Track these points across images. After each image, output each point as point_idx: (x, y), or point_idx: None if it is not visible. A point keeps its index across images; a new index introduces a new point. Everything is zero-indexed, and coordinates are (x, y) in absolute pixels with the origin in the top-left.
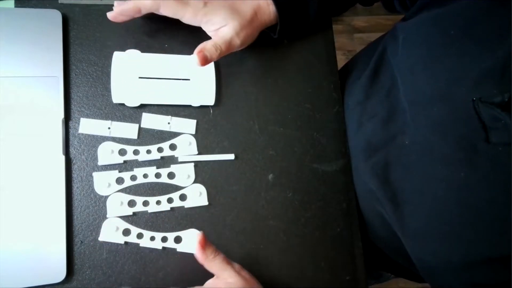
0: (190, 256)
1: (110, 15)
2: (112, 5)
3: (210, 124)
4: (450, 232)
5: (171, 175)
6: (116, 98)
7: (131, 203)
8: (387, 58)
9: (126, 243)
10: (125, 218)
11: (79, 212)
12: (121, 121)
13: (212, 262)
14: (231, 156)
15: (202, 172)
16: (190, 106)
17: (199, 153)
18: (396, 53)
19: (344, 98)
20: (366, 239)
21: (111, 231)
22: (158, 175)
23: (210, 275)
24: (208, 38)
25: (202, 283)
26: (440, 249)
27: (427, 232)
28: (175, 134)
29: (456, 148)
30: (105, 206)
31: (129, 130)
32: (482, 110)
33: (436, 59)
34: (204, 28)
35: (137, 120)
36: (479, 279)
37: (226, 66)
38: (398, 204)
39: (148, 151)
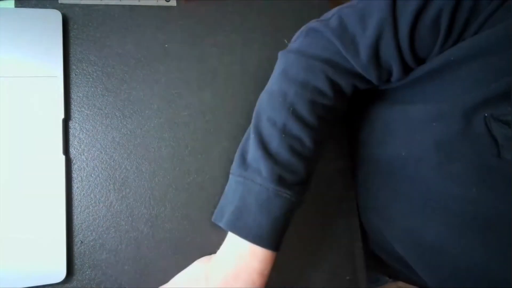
0: (190, 256)
1: None
2: (112, 5)
3: (210, 124)
4: (462, 246)
5: None
6: None
7: None
8: None
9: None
10: None
11: (79, 212)
12: (121, 121)
13: None
14: None
15: (202, 172)
16: (189, 106)
17: (199, 153)
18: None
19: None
20: (364, 244)
21: None
22: None
23: None
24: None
25: None
26: (448, 261)
27: (437, 246)
28: None
29: (467, 165)
30: (105, 206)
31: None
32: (494, 127)
33: (445, 73)
34: None
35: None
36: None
37: (226, 66)
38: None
39: None
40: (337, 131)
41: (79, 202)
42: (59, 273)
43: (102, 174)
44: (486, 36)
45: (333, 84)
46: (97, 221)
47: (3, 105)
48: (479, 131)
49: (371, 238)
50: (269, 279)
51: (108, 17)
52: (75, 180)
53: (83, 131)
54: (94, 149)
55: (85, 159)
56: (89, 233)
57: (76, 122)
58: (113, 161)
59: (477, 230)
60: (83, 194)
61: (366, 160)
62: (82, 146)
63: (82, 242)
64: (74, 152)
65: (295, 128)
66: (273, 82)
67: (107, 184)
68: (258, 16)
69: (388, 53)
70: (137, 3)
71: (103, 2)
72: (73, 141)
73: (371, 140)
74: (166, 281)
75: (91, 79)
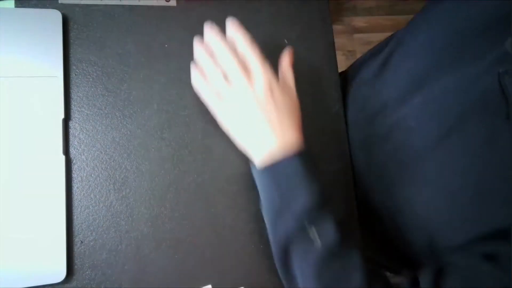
0: (190, 256)
1: None
2: (112, 5)
3: (210, 124)
4: (465, 207)
5: None
6: None
7: None
8: (401, 42)
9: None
10: None
11: (79, 212)
12: (121, 121)
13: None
14: None
15: (202, 172)
16: (189, 106)
17: (199, 153)
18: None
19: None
20: (368, 240)
21: None
22: None
23: (213, 276)
24: None
25: (202, 284)
26: (451, 224)
27: (442, 209)
28: None
29: (475, 125)
30: (105, 206)
31: None
32: (508, 82)
33: (456, 39)
34: None
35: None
36: (489, 251)
37: None
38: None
39: None
40: (338, 131)
41: (79, 202)
42: (59, 273)
43: (102, 174)
44: None
45: None
46: (97, 221)
47: (3, 105)
48: (492, 91)
49: (380, 225)
50: (269, 278)
51: (108, 17)
52: (75, 180)
53: (83, 131)
54: (94, 149)
55: (85, 159)
56: (89, 233)
57: (76, 122)
58: (113, 161)
59: (478, 202)
60: (83, 194)
61: (369, 143)
62: (82, 146)
63: (82, 242)
64: (74, 152)
65: None
66: None
67: (107, 184)
68: (258, 16)
69: None
70: (137, 3)
71: (103, 2)
72: (73, 141)
73: (378, 118)
74: (166, 281)
75: (91, 79)
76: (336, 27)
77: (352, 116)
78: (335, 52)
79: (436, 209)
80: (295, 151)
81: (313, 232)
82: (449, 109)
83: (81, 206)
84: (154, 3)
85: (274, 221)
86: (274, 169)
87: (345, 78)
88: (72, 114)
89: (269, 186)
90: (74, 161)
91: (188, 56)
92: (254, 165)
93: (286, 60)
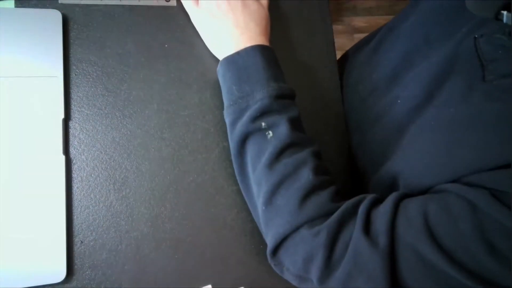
0: (190, 256)
1: None
2: (112, 5)
3: (210, 124)
4: (438, 163)
5: None
6: None
7: None
8: (392, 27)
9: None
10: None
11: (79, 212)
12: (121, 121)
13: None
14: None
15: (202, 172)
16: (189, 106)
17: (199, 153)
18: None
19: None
20: None
21: None
22: None
23: (213, 276)
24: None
25: (202, 284)
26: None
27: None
28: None
29: (453, 87)
30: (105, 206)
31: None
32: (483, 45)
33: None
34: None
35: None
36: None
37: None
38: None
39: None
40: (338, 130)
41: (79, 202)
42: (59, 273)
43: (102, 174)
44: None
45: None
46: (97, 221)
47: (3, 105)
48: (470, 55)
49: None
50: (270, 279)
51: (108, 17)
52: (75, 180)
53: (83, 131)
54: (94, 149)
55: (85, 159)
56: (89, 233)
57: (76, 122)
58: (113, 161)
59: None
60: (83, 194)
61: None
62: (82, 146)
63: (82, 242)
64: (74, 152)
65: None
66: None
67: (107, 184)
68: None
69: None
70: (137, 3)
71: (103, 2)
72: (73, 141)
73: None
74: (166, 281)
75: (91, 79)
76: (336, 27)
77: (348, 99)
78: (335, 52)
79: (425, 174)
80: (258, 45)
81: (269, 133)
82: (432, 77)
83: (81, 206)
84: (154, 3)
85: (233, 122)
86: (234, 59)
87: (341, 64)
88: (72, 114)
89: (229, 79)
90: (74, 161)
91: (188, 56)
92: (219, 65)
93: None
